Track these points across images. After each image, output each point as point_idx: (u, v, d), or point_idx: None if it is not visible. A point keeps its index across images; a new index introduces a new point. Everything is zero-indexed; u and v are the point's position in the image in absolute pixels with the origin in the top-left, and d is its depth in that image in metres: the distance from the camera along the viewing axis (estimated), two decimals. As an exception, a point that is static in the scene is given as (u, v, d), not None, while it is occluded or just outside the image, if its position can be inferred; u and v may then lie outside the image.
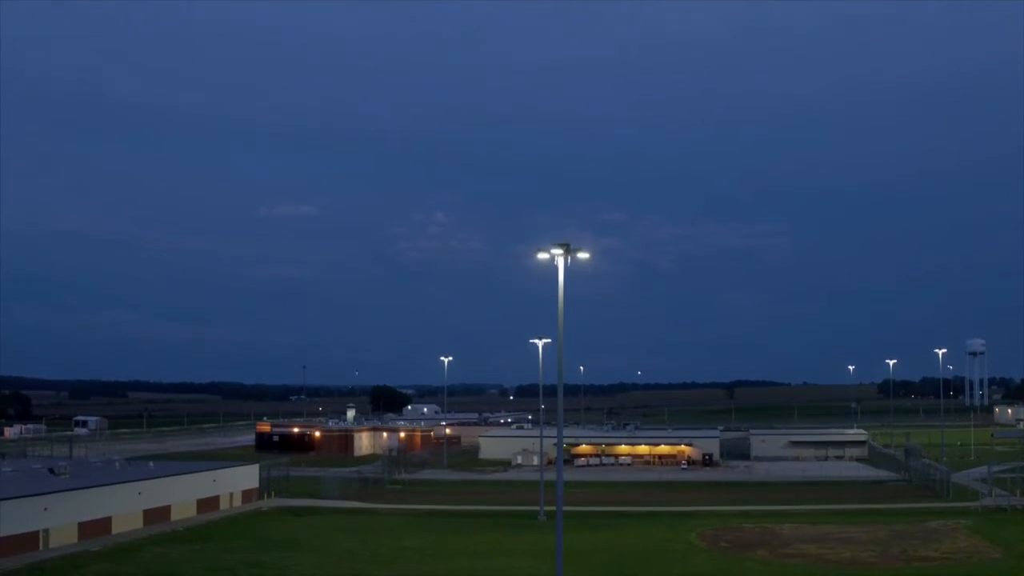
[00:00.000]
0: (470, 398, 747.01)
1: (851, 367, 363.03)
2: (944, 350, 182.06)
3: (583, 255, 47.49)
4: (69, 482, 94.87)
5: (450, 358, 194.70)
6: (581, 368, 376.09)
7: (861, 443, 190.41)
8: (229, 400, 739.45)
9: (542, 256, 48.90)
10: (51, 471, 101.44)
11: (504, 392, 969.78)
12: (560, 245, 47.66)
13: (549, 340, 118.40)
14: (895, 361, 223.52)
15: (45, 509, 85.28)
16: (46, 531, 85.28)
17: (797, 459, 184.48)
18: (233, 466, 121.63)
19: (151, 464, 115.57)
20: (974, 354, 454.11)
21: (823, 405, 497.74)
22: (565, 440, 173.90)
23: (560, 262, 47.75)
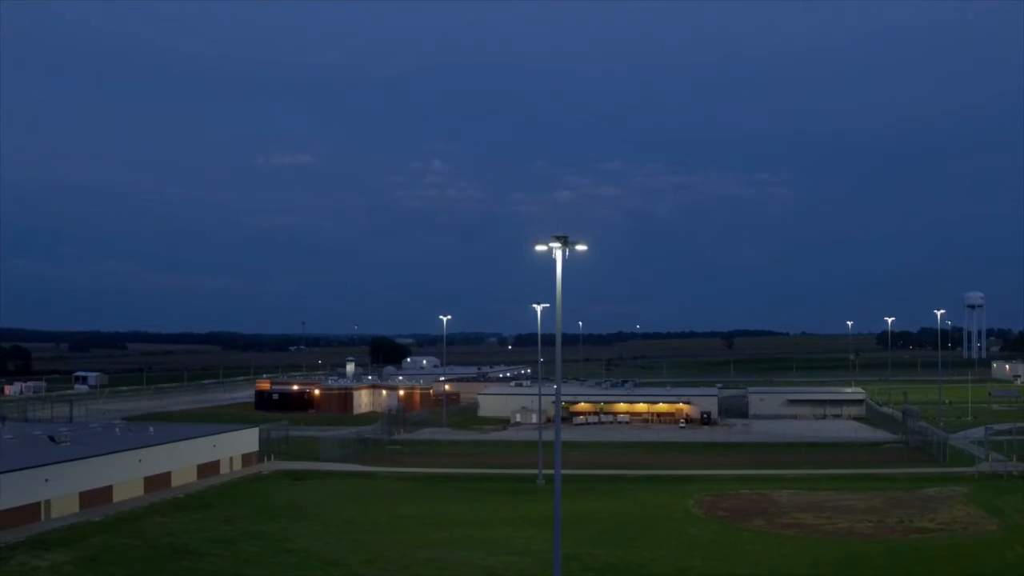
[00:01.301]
0: (469, 348, 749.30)
1: (849, 323, 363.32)
2: (943, 311, 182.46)
3: (581, 247, 47.20)
4: (70, 451, 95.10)
5: (449, 316, 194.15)
6: (580, 323, 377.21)
7: (859, 402, 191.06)
8: (228, 351, 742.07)
9: (540, 248, 48.52)
10: (52, 439, 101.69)
11: (503, 341, 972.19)
12: (558, 238, 47.34)
13: (547, 305, 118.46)
14: (893, 319, 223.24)
15: (46, 480, 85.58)
16: (47, 502, 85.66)
17: (795, 417, 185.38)
18: (233, 430, 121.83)
19: (151, 429, 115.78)
20: (972, 307, 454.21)
21: (821, 358, 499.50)
22: (564, 398, 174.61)
23: (558, 254, 47.41)
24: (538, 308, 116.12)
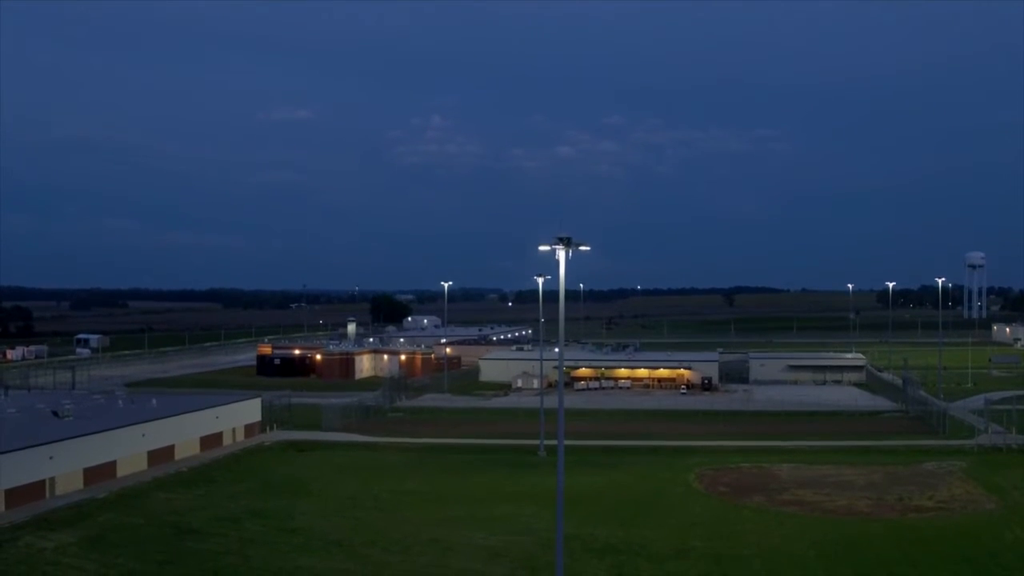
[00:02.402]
0: (470, 305, 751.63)
1: (850, 286, 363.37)
2: (943, 279, 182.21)
3: (584, 248, 47.04)
4: (74, 427, 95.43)
5: (450, 283, 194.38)
6: (581, 285, 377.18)
7: (859, 368, 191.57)
8: (229, 309, 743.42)
9: (543, 249, 48.36)
10: (55, 414, 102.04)
11: (504, 298, 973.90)
12: (561, 240, 47.19)
13: (549, 277, 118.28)
14: (893, 283, 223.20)
15: (51, 458, 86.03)
16: (52, 479, 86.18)
17: (795, 383, 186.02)
18: (236, 401, 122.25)
19: (154, 401, 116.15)
20: (973, 267, 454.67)
21: (822, 317, 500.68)
22: (565, 363, 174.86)
23: (561, 255, 47.32)
24: (540, 280, 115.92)
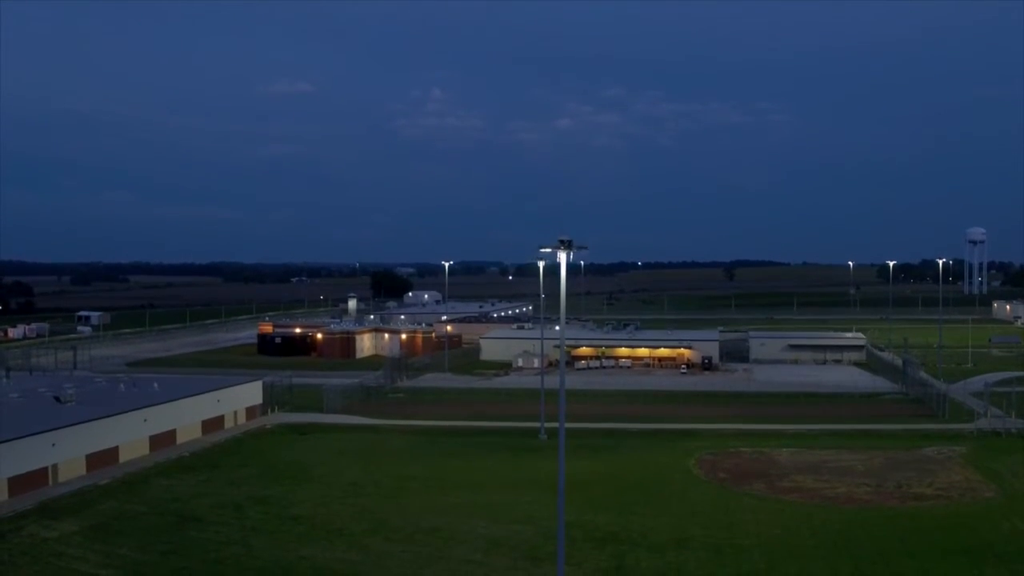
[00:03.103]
0: (470, 279, 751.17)
1: (850, 263, 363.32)
2: (944, 260, 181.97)
3: (583, 248, 47.17)
4: (76, 412, 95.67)
5: (450, 262, 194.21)
6: (581, 263, 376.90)
7: (859, 347, 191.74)
8: (230, 283, 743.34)
9: (544, 251, 48.43)
10: (57, 399, 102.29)
11: (504, 271, 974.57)
12: (562, 242, 47.40)
13: (549, 252, 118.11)
14: (894, 262, 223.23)
15: (53, 445, 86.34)
16: (55, 466, 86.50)
17: (796, 362, 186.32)
18: (237, 383, 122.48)
19: (156, 385, 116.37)
20: (974, 242, 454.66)
21: (822, 292, 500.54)
22: (566, 341, 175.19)
23: (562, 256, 47.51)
24: (540, 264, 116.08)
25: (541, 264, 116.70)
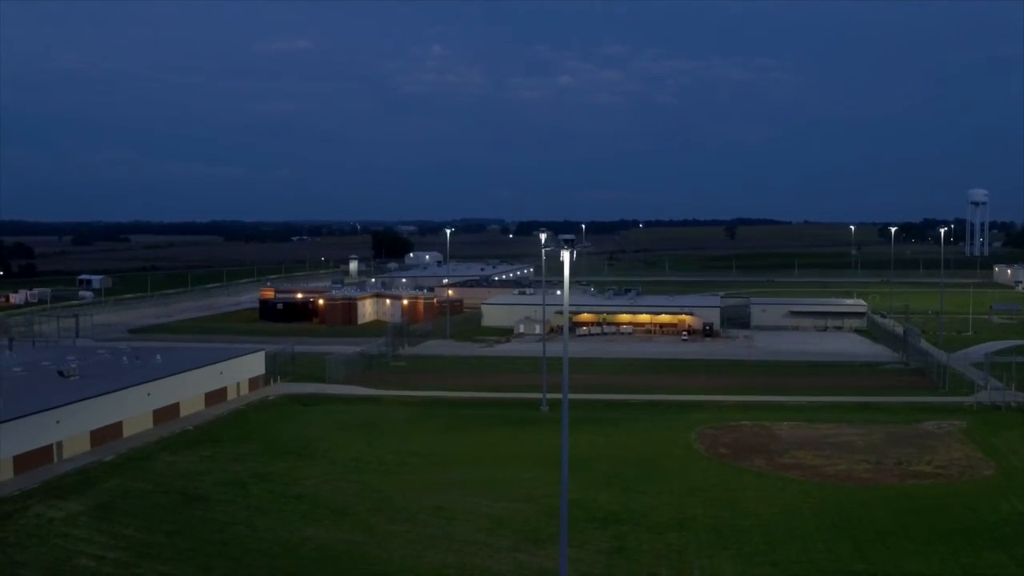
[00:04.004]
0: (471, 237, 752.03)
1: (852, 227, 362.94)
2: (945, 229, 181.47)
3: (586, 247, 47.12)
4: (79, 388, 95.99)
5: (452, 229, 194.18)
6: (583, 226, 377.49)
7: (860, 314, 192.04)
8: (231, 242, 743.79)
9: (546, 250, 48.38)
10: (60, 373, 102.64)
11: (505, 229, 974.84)
12: (565, 241, 47.59)
13: (547, 234, 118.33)
14: (895, 228, 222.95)
15: (58, 422, 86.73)
16: (59, 443, 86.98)
17: (797, 329, 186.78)
18: (240, 355, 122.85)
19: (158, 357, 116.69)
20: (976, 204, 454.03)
21: (824, 252, 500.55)
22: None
23: (565, 255, 47.64)
24: (542, 236, 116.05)
25: (543, 236, 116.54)
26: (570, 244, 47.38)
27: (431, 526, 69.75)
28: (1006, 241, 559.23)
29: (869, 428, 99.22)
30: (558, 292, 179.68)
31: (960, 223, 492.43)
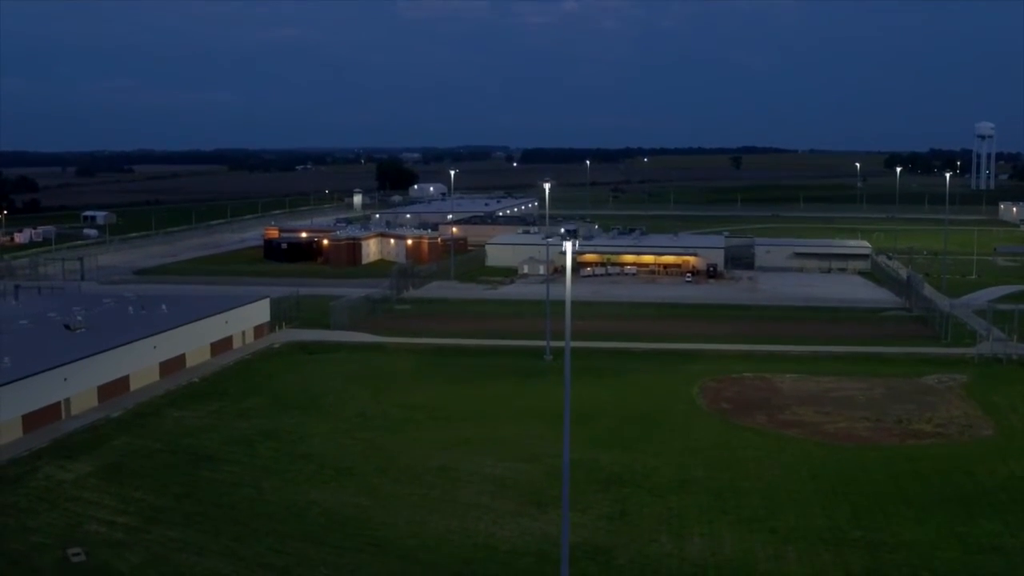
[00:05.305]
0: (476, 166, 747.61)
1: (858, 165, 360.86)
2: (950, 173, 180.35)
3: (588, 240, 47.22)
4: (87, 342, 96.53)
5: (456, 170, 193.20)
6: (587, 162, 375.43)
7: (864, 256, 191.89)
8: (235, 172, 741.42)
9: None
10: (67, 327, 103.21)
11: (510, 158, 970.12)
12: (569, 233, 47.76)
13: (552, 185, 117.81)
14: (900, 169, 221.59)
15: (65, 379, 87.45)
16: (67, 400, 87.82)
17: (801, 270, 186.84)
18: (246, 303, 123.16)
19: (164, 307, 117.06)
20: (982, 137, 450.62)
21: (829, 184, 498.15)
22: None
23: (568, 247, 47.79)
24: (546, 187, 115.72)
25: (547, 186, 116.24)
26: (572, 235, 47.67)
27: (435, 488, 70.78)
28: (1012, 174, 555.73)
29: (870, 382, 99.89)
30: (563, 230, 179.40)
31: (967, 153, 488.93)
